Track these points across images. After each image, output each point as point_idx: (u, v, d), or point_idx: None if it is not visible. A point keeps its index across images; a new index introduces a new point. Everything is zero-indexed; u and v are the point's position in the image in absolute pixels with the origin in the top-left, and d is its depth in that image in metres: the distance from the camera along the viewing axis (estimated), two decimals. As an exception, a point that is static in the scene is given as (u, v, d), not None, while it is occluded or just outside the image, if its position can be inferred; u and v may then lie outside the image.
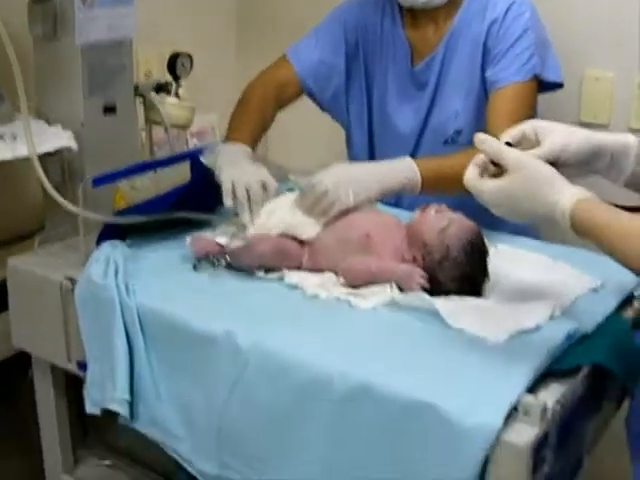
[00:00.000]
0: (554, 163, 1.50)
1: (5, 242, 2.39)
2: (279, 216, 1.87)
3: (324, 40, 2.37)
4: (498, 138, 1.56)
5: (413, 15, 2.30)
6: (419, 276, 1.65)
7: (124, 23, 2.10)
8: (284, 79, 2.35)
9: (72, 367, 1.86)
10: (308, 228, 1.82)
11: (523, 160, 1.46)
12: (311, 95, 2.40)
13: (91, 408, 1.73)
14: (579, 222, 1.40)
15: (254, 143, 2.18)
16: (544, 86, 2.26)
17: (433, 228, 1.69)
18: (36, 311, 1.90)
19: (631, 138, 1.58)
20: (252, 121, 2.23)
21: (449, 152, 2.13)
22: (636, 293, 1.76)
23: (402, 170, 1.95)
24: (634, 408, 1.62)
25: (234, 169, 1.96)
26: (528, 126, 1.57)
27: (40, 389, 2.03)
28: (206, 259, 1.81)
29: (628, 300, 1.75)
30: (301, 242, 1.81)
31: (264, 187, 1.93)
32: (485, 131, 2.01)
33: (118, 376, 1.65)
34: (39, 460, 2.13)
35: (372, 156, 2.43)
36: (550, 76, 2.23)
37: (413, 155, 2.25)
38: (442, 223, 1.68)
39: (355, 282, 1.70)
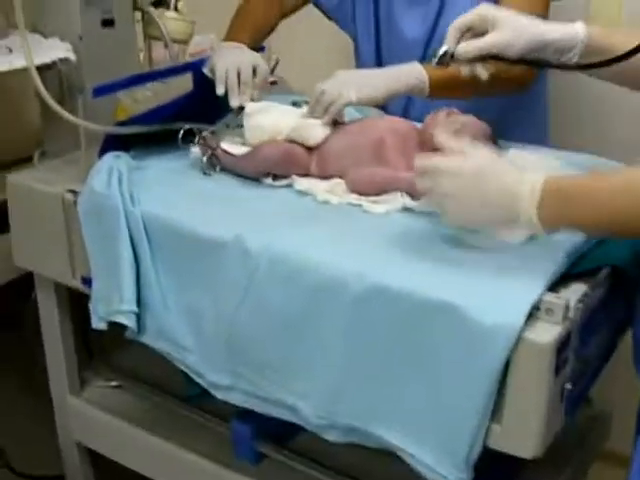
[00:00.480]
0: (495, 56, 1.53)
1: (4, 165, 2.34)
2: (282, 121, 1.80)
3: None
4: None
5: None
6: None
7: None
8: None
9: (76, 283, 1.81)
10: (314, 132, 1.76)
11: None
12: (316, 1, 2.33)
13: (97, 323, 1.68)
14: (554, 194, 1.31)
15: (253, 44, 2.09)
16: None
17: (445, 132, 1.62)
18: (38, 227, 1.85)
19: (580, 32, 1.56)
20: (252, 24, 2.15)
21: None
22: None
23: (410, 72, 1.86)
24: None
25: (227, 57, 1.92)
26: (477, 17, 1.56)
27: (44, 309, 2.00)
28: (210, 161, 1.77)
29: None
30: (309, 148, 1.75)
31: (254, 70, 1.89)
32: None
33: (124, 287, 1.60)
34: (45, 383, 2.10)
35: (380, 66, 2.35)
36: None
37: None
38: (454, 126, 1.63)
39: (362, 192, 1.64)
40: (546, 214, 1.31)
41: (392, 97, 1.84)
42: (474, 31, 1.57)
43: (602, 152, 1.93)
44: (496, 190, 1.34)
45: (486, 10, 1.56)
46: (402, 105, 2.16)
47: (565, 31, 1.56)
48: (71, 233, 1.78)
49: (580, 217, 1.31)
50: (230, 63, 1.88)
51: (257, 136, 1.78)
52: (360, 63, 2.36)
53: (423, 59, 2.19)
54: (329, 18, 2.36)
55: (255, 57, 1.94)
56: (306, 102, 1.90)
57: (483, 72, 1.57)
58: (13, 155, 2.38)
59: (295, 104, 1.96)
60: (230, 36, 2.12)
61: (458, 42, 1.57)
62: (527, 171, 1.34)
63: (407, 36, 2.24)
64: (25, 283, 2.06)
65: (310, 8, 2.31)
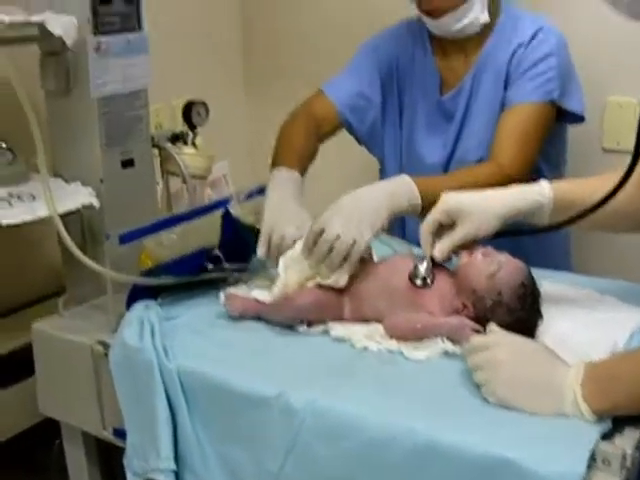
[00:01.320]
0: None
1: (24, 304, 2.33)
2: (300, 269, 1.77)
3: (359, 74, 2.35)
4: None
5: (443, 44, 2.30)
6: (469, 328, 1.57)
7: (139, 72, 2.04)
8: (322, 113, 2.31)
9: (108, 435, 1.78)
10: (337, 277, 1.72)
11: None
12: (349, 128, 2.37)
13: (133, 479, 1.64)
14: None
15: (302, 172, 2.10)
16: (564, 116, 2.23)
17: (482, 274, 1.61)
18: (65, 377, 1.83)
19: (545, 196, 1.68)
20: (296, 151, 2.16)
21: None
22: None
23: (404, 191, 1.85)
24: None
25: (276, 212, 1.90)
26: (441, 215, 1.67)
27: (72, 459, 1.96)
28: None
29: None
30: (340, 290, 1.73)
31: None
32: (491, 147, 2.09)
33: (162, 444, 1.57)
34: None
35: None
36: (570, 105, 2.21)
37: None
38: (491, 268, 1.61)
39: (401, 338, 1.62)
40: (589, 394, 1.34)
41: (392, 220, 1.83)
42: (446, 225, 1.69)
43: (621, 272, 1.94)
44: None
45: (448, 204, 1.68)
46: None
47: (531, 196, 1.68)
48: (101, 384, 1.76)
49: (633, 387, 1.33)
50: (276, 225, 1.87)
51: (290, 284, 1.76)
52: None
53: None
54: (360, 142, 2.42)
55: (302, 220, 1.89)
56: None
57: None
58: (33, 296, 2.38)
59: None
60: (278, 162, 2.12)
61: (433, 243, 1.68)
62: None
63: (427, 161, 2.32)
64: (49, 427, 2.02)
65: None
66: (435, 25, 2.20)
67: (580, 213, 1.61)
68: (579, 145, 2.55)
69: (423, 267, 1.68)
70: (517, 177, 1.99)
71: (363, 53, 2.38)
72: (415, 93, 2.34)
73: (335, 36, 2.97)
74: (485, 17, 2.18)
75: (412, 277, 1.67)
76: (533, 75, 2.15)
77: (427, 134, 2.33)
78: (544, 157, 2.23)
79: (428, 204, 1.79)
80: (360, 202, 1.78)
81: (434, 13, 2.17)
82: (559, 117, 2.23)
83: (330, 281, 1.72)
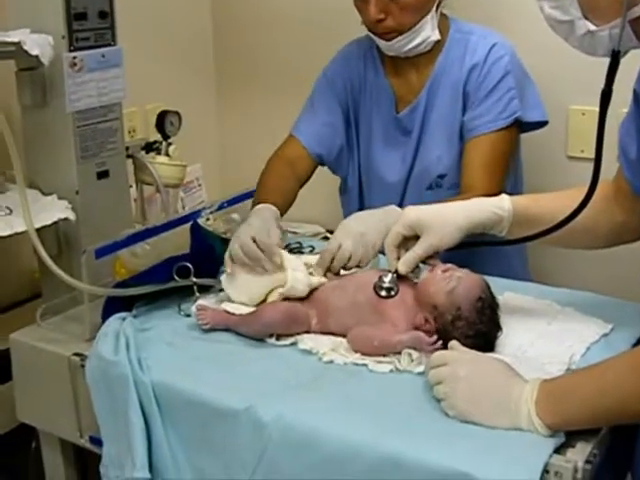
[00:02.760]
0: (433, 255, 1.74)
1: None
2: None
3: (319, 105, 2.41)
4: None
5: (395, 63, 2.34)
6: (426, 343, 1.63)
7: (114, 86, 2.10)
8: (294, 155, 2.37)
9: (84, 442, 1.83)
10: (301, 287, 1.81)
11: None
12: (321, 161, 2.42)
13: (110, 489, 1.70)
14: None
15: (281, 209, 2.13)
16: (528, 125, 2.29)
17: (441, 289, 1.67)
18: (43, 386, 1.88)
19: (505, 209, 1.73)
20: (274, 193, 2.19)
21: (433, 197, 2.16)
22: (646, 335, 1.77)
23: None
24: None
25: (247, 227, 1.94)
26: (404, 229, 1.74)
27: (49, 464, 2.01)
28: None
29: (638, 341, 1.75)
30: (308, 305, 1.79)
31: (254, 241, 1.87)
32: (461, 179, 2.16)
33: (136, 453, 1.62)
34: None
35: (362, 205, 2.47)
36: (533, 116, 2.27)
37: (400, 202, 2.32)
38: (450, 284, 1.67)
39: (363, 353, 1.68)
40: (543, 410, 1.40)
41: None
42: (410, 238, 1.75)
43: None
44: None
45: (410, 218, 1.74)
46: None
47: (491, 209, 1.73)
48: (78, 394, 1.80)
49: (585, 404, 1.39)
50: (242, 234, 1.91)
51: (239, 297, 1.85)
52: (346, 199, 2.52)
53: (402, 197, 2.29)
54: (334, 171, 2.50)
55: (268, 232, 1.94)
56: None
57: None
58: (8, 301, 2.41)
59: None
60: (259, 200, 2.15)
61: (398, 256, 1.75)
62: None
63: (387, 177, 2.37)
64: (25, 431, 2.07)
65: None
66: (387, 46, 2.24)
67: (545, 230, 1.66)
68: (544, 153, 2.61)
69: (387, 278, 1.74)
70: None
71: (319, 85, 2.44)
72: (370, 112, 2.39)
73: (302, 46, 3.02)
74: (436, 35, 2.24)
75: (377, 288, 1.73)
76: (494, 101, 2.21)
77: (385, 150, 2.39)
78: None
79: None
80: (360, 226, 1.92)
81: (386, 36, 2.21)
82: (522, 128, 2.30)
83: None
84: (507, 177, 2.28)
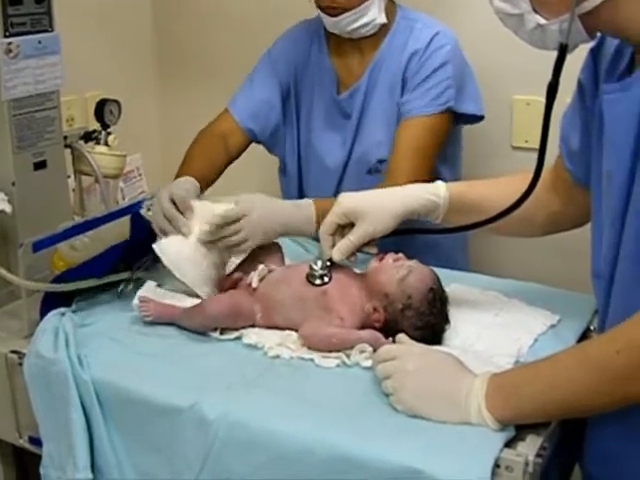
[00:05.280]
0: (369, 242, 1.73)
1: None
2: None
3: (258, 82, 2.40)
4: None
5: (339, 44, 2.33)
6: (383, 341, 1.60)
7: (51, 73, 2.03)
8: (226, 129, 2.36)
9: (23, 443, 1.78)
10: (204, 288, 1.83)
11: None
12: (254, 137, 2.41)
13: (50, 489, 1.65)
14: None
15: (202, 184, 2.11)
16: (464, 118, 2.29)
17: (393, 278, 1.66)
18: (-21, 384, 1.82)
19: (440, 196, 1.73)
20: (197, 169, 2.19)
21: (373, 182, 2.16)
22: (592, 326, 1.76)
23: (302, 212, 1.94)
24: None
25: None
26: (339, 217, 1.73)
27: (-14, 466, 1.95)
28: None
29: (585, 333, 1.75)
30: (252, 298, 1.76)
31: (173, 201, 1.89)
32: (390, 160, 2.17)
33: (78, 454, 1.57)
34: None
35: (301, 186, 2.47)
36: (469, 108, 2.27)
37: (339, 185, 2.33)
38: (401, 272, 1.66)
39: (317, 350, 1.64)
40: (493, 404, 1.38)
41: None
42: (346, 226, 1.73)
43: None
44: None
45: (344, 206, 1.72)
46: None
47: (426, 196, 1.73)
48: (16, 392, 1.75)
49: (534, 399, 1.38)
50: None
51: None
52: (285, 181, 2.52)
53: (341, 181, 2.30)
54: (269, 150, 2.50)
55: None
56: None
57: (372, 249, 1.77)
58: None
59: None
60: (181, 172, 2.18)
61: (333, 243, 1.73)
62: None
63: (326, 161, 2.36)
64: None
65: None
66: (333, 23, 2.22)
67: (484, 220, 1.66)
68: (489, 143, 2.61)
69: (318, 266, 1.72)
70: None
71: (262, 61, 2.44)
72: (312, 91, 2.39)
73: (243, 34, 3.00)
74: (382, 18, 2.23)
75: (309, 277, 1.72)
76: (429, 86, 2.21)
77: (325, 132, 2.38)
78: (442, 159, 2.30)
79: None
80: (271, 212, 1.90)
81: (333, 11, 2.20)
82: (458, 120, 2.30)
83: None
84: (442, 166, 2.30)
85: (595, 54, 1.55)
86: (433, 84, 2.20)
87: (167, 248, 1.84)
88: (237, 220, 1.84)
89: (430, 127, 2.20)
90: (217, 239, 1.85)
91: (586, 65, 1.58)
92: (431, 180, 1.79)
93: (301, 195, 2.44)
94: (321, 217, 1.84)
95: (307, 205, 1.95)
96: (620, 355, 1.29)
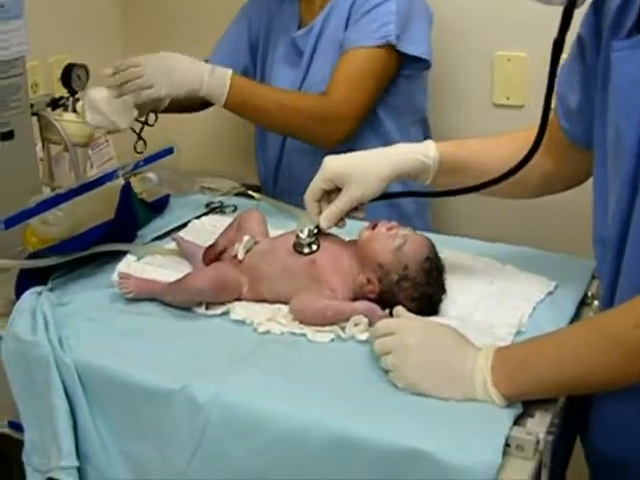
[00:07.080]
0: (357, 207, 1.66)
1: None
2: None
3: (231, 28, 2.54)
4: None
5: None
6: (378, 316, 1.53)
7: (15, 39, 1.92)
8: None
9: (3, 428, 1.71)
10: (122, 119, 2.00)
11: None
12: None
13: (33, 476, 1.57)
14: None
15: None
16: (411, 63, 2.28)
17: (387, 247, 1.59)
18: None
19: (430, 157, 1.67)
20: None
21: None
22: (590, 292, 1.71)
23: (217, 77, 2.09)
24: None
25: None
26: (324, 182, 1.66)
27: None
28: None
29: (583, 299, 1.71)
30: (239, 271, 1.68)
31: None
32: (325, 90, 2.20)
33: (62, 440, 1.50)
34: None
35: None
36: (412, 49, 2.25)
37: None
38: (396, 242, 1.59)
39: (311, 323, 1.57)
40: (499, 379, 1.33)
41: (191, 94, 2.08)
42: (332, 191, 1.68)
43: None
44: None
45: (330, 171, 1.66)
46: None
47: (416, 157, 1.67)
48: (-7, 376, 1.67)
49: (543, 375, 1.32)
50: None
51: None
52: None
53: None
54: None
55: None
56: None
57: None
58: None
59: None
60: None
61: (320, 210, 1.67)
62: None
63: None
64: None
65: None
66: None
67: (485, 183, 1.60)
68: (469, 100, 2.55)
69: (304, 234, 1.66)
70: (346, 117, 2.18)
71: (238, 12, 2.55)
72: (278, 35, 2.44)
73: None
74: None
75: (297, 246, 1.65)
76: (371, 19, 2.21)
77: (281, 70, 2.42)
78: (384, 106, 2.30)
79: (240, 100, 2.11)
80: (181, 64, 2.09)
81: None
82: (405, 64, 2.28)
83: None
84: (374, 101, 2.28)
85: (597, 8, 1.48)
86: (373, 18, 2.21)
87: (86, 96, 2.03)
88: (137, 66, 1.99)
89: (366, 59, 2.21)
90: (124, 82, 2.00)
91: (587, 19, 1.51)
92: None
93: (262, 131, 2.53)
94: (235, 90, 2.06)
95: (224, 73, 2.09)
96: (639, 329, 1.23)
